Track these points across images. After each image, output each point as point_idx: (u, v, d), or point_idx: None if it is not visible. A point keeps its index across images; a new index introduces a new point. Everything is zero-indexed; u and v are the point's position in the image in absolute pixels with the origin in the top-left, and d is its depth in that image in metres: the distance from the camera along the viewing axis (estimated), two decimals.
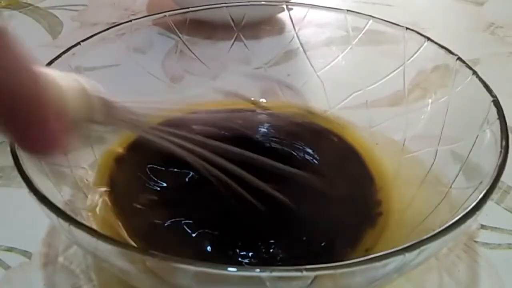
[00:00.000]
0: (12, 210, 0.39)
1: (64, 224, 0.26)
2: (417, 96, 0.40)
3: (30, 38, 0.61)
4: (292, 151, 0.39)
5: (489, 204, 0.40)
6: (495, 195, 0.40)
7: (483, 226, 0.38)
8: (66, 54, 0.38)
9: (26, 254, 0.36)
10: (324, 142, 0.40)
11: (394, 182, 0.36)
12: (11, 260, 0.36)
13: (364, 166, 0.38)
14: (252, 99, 0.46)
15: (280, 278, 0.22)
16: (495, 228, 0.38)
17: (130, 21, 0.42)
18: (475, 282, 0.34)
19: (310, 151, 0.39)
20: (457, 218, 0.24)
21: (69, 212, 0.27)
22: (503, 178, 0.41)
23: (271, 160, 0.33)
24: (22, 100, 0.23)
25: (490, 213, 0.39)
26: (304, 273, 0.22)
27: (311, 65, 0.46)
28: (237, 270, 0.22)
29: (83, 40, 0.39)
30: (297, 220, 0.33)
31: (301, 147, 0.39)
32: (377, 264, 0.22)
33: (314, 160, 0.38)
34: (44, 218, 0.37)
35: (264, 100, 0.46)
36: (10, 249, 0.36)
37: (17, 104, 0.23)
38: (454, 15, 0.67)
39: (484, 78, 0.35)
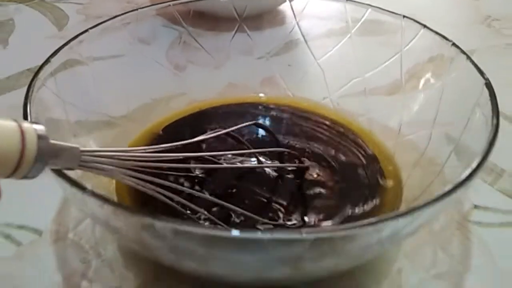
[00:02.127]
0: (24, 191, 0.41)
1: (78, 193, 0.27)
2: (413, 83, 0.41)
3: (36, 31, 0.63)
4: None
5: (483, 185, 0.42)
6: (488, 177, 0.42)
7: (476, 207, 0.40)
8: (73, 42, 0.39)
9: (37, 231, 0.38)
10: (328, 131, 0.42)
11: (391, 162, 0.38)
12: (23, 237, 0.37)
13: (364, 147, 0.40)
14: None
15: (281, 240, 0.24)
16: (488, 208, 0.40)
17: (136, 9, 0.44)
18: (467, 257, 0.36)
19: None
20: (446, 189, 0.26)
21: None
22: (496, 161, 0.43)
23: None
24: None
25: (483, 194, 0.41)
26: (304, 235, 0.23)
27: (312, 54, 0.47)
28: (240, 233, 0.23)
29: (91, 28, 0.40)
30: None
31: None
32: (373, 228, 0.24)
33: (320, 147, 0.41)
34: (55, 198, 0.39)
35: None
36: (21, 227, 0.38)
37: None
38: (452, 8, 0.69)
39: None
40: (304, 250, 0.24)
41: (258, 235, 0.23)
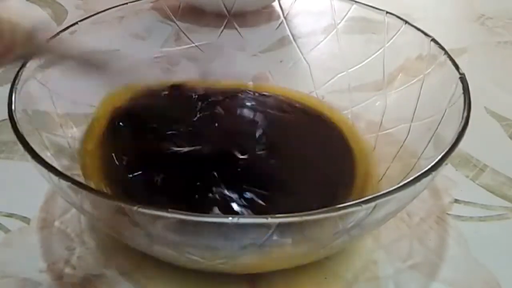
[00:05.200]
0: (13, 181, 0.42)
1: (64, 184, 0.28)
2: (396, 77, 0.42)
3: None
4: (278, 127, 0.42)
5: (465, 180, 0.42)
6: (470, 173, 0.43)
7: (456, 201, 0.40)
8: (63, 34, 0.40)
9: (25, 219, 0.39)
10: (308, 120, 0.43)
11: (372, 155, 0.39)
12: (11, 224, 0.38)
13: (344, 140, 0.40)
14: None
15: (247, 225, 0.24)
16: (468, 202, 0.40)
17: (127, 3, 0.45)
18: (444, 250, 0.36)
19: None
20: (411, 178, 0.27)
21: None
22: (479, 156, 0.44)
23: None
24: None
25: (465, 189, 0.41)
26: (269, 220, 0.24)
27: (299, 49, 0.48)
28: (207, 217, 0.24)
29: (80, 20, 0.41)
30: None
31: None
32: (336, 213, 0.25)
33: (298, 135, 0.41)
34: (42, 188, 0.40)
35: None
36: (10, 215, 0.39)
37: None
38: (446, 7, 0.69)
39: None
40: (270, 235, 0.25)
41: (223, 219, 0.24)
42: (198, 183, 0.34)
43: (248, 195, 0.34)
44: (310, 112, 0.43)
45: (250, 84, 0.48)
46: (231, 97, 0.45)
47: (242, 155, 0.37)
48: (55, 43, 0.34)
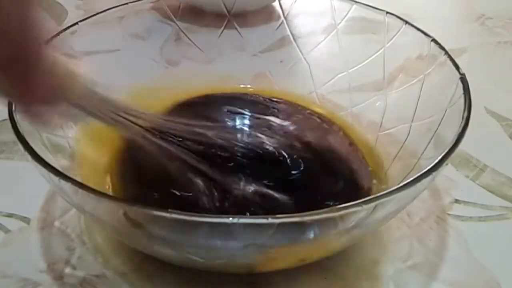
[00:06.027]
0: (13, 181, 0.42)
1: (64, 184, 0.28)
2: (396, 77, 0.42)
3: None
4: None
5: (465, 180, 0.42)
6: (470, 173, 0.43)
7: (457, 201, 0.40)
8: (63, 34, 0.40)
9: (25, 219, 0.39)
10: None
11: (372, 155, 0.39)
12: (11, 224, 0.38)
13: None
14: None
15: (248, 225, 0.24)
16: (469, 202, 0.40)
17: (127, 3, 0.45)
18: (444, 249, 0.36)
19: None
20: (411, 178, 0.27)
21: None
22: (479, 156, 0.44)
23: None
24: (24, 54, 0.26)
25: (465, 189, 0.41)
26: (270, 220, 0.24)
27: (299, 50, 0.48)
28: (207, 218, 0.24)
29: (81, 20, 0.41)
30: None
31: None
32: (336, 214, 0.25)
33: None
34: (43, 188, 0.40)
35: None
36: (10, 215, 0.39)
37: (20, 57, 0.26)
38: (446, 7, 0.69)
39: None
40: (271, 235, 0.25)
41: (223, 219, 0.24)
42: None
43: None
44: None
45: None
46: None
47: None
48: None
